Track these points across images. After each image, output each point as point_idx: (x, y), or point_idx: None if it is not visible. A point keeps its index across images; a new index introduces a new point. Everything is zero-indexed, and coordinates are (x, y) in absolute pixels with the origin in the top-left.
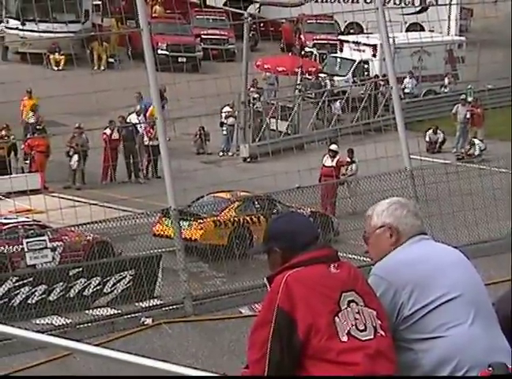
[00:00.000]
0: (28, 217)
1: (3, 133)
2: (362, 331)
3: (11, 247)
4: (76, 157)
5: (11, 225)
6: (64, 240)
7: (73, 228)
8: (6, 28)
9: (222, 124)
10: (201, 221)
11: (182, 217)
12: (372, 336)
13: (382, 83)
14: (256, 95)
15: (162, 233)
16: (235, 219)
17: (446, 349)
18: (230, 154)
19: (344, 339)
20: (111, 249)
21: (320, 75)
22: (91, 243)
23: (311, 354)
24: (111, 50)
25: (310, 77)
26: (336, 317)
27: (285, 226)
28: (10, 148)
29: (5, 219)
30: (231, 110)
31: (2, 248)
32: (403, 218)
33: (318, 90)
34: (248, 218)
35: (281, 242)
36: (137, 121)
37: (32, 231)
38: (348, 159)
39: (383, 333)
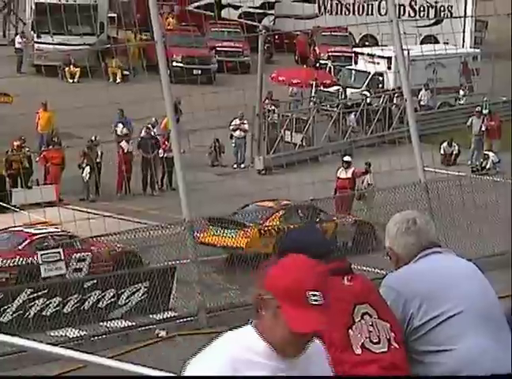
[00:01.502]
0: (57, 228)
1: (18, 144)
2: (376, 343)
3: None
4: (88, 169)
5: (41, 235)
6: (92, 250)
7: (101, 238)
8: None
9: (231, 136)
10: (247, 229)
11: (225, 225)
12: (386, 349)
13: (396, 95)
14: (271, 108)
15: (207, 241)
16: (280, 227)
17: (457, 361)
18: (243, 166)
19: (358, 351)
20: (139, 260)
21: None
22: (119, 253)
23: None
24: (125, 63)
25: (325, 89)
26: (350, 330)
27: (297, 239)
28: (25, 161)
29: (35, 229)
30: (239, 122)
31: (32, 258)
32: (395, 238)
33: (333, 102)
34: (292, 227)
35: None
36: (152, 134)
37: (46, 244)
38: (364, 171)
39: (397, 346)
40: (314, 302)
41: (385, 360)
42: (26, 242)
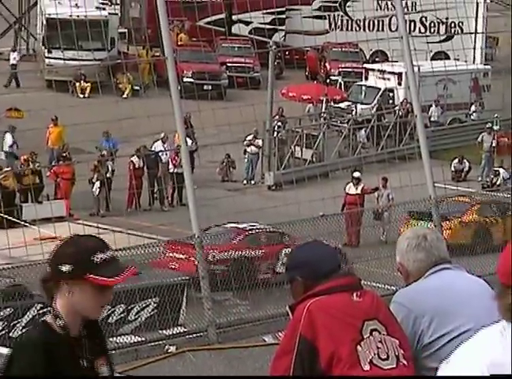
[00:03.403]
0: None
1: (25, 158)
2: (384, 360)
3: (253, 252)
4: (98, 184)
5: (254, 231)
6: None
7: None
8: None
9: (245, 152)
10: (448, 222)
11: (427, 218)
12: (394, 365)
13: (408, 111)
14: (281, 124)
15: None
16: (477, 220)
17: None
18: (253, 182)
19: (367, 367)
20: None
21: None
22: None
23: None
24: (136, 79)
25: (336, 105)
26: (358, 346)
27: (307, 255)
28: (36, 176)
29: (250, 226)
30: (253, 138)
31: (245, 252)
32: (405, 254)
33: (343, 118)
34: (487, 219)
35: (303, 271)
36: (162, 149)
37: (258, 238)
38: (380, 187)
39: (405, 363)
40: None
41: (393, 376)
42: (240, 237)
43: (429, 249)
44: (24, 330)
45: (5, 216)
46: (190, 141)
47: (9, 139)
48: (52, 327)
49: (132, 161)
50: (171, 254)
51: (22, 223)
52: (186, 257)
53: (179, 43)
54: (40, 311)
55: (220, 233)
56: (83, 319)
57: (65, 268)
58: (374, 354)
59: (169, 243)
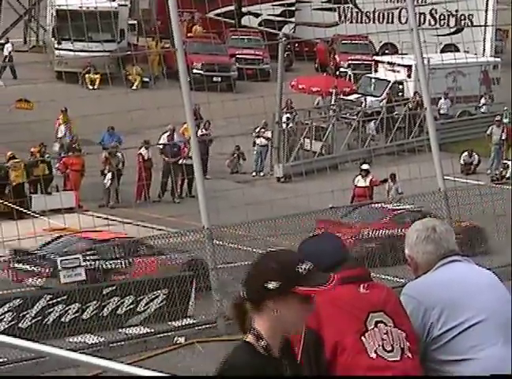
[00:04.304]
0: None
1: (36, 150)
2: (389, 351)
3: (401, 230)
4: (109, 175)
5: (400, 211)
6: None
7: None
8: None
9: (254, 144)
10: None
11: None
12: (399, 358)
13: (417, 103)
14: (290, 115)
15: None
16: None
17: (478, 371)
18: (262, 174)
19: (373, 355)
20: None
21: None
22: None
23: (340, 372)
24: (145, 70)
25: (345, 98)
26: (362, 337)
27: (312, 248)
28: (45, 166)
29: (395, 206)
30: (263, 130)
31: (394, 231)
32: (414, 246)
33: (352, 110)
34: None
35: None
36: (168, 141)
37: (406, 218)
38: (390, 180)
39: (410, 355)
40: None
41: (397, 368)
42: (389, 216)
43: (438, 241)
44: (33, 321)
45: (15, 207)
46: (204, 131)
47: (62, 130)
48: (256, 348)
49: (141, 153)
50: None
51: (32, 213)
52: (341, 236)
53: (189, 35)
54: (49, 302)
55: (369, 212)
56: (283, 338)
57: (271, 285)
58: (379, 345)
59: (320, 222)
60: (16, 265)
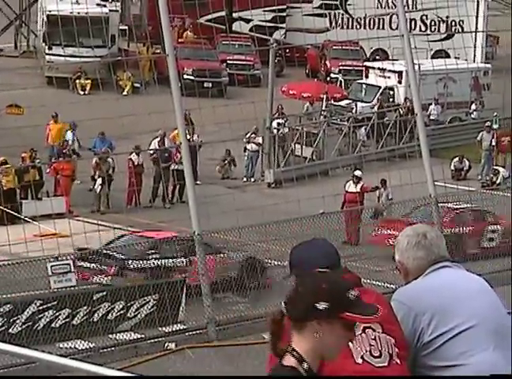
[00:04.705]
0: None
1: (26, 155)
2: (376, 357)
3: (462, 229)
4: (99, 181)
5: (461, 210)
6: (502, 223)
7: None
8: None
9: (245, 149)
10: None
11: None
12: (386, 364)
13: (408, 109)
14: (281, 121)
15: None
16: None
17: (468, 377)
18: (253, 180)
19: (359, 361)
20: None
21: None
22: None
23: (327, 375)
24: (136, 76)
25: (336, 103)
26: (349, 343)
27: (301, 254)
28: (36, 172)
29: (454, 205)
30: (253, 136)
31: (456, 229)
32: (404, 252)
33: (343, 116)
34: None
35: (297, 269)
36: (158, 147)
37: (466, 217)
38: (380, 186)
39: (398, 361)
40: None
41: (384, 374)
42: (450, 215)
43: (429, 247)
44: (23, 326)
45: (8, 211)
46: (196, 137)
47: (69, 136)
48: (299, 371)
49: (131, 158)
50: (386, 231)
51: (22, 218)
52: None
53: (180, 41)
54: (40, 307)
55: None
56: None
57: (321, 306)
58: (366, 351)
59: (383, 221)
60: (81, 264)
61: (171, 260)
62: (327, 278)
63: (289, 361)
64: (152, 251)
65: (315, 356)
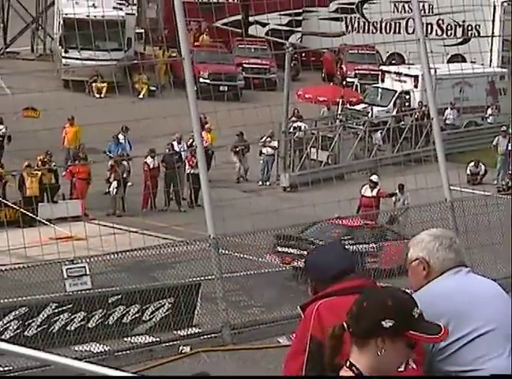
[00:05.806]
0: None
1: (41, 158)
2: None
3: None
4: (115, 184)
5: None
6: None
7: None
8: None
9: (260, 153)
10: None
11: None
12: (403, 369)
13: (424, 113)
14: (296, 125)
15: None
16: None
17: None
18: (268, 184)
19: None
20: None
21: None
22: None
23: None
24: (152, 79)
25: (352, 107)
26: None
27: (318, 258)
28: (52, 175)
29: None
30: (269, 140)
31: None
32: (435, 251)
33: (359, 120)
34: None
35: (313, 274)
36: (177, 150)
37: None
38: (397, 192)
39: (414, 366)
40: None
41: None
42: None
43: (458, 251)
44: (39, 329)
45: (25, 212)
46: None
47: (120, 139)
48: None
49: (146, 162)
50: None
51: (39, 219)
52: None
53: (196, 44)
54: (55, 310)
55: None
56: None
57: (387, 323)
58: None
59: None
60: (282, 249)
61: (363, 246)
62: (391, 294)
63: (347, 374)
64: (347, 237)
65: (373, 372)
